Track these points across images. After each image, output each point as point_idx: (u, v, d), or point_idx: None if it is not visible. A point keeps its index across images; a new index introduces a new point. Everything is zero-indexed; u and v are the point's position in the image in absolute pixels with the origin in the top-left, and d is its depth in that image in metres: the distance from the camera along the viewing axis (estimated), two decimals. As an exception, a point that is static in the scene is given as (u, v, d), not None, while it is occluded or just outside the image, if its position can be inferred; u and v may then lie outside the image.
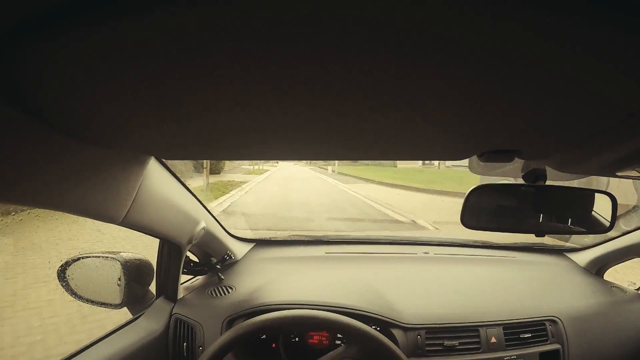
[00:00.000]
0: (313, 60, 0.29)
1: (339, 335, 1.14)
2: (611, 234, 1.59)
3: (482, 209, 0.87)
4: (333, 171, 26.61)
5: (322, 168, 32.75)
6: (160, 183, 0.88)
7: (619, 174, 0.70)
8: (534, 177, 0.82)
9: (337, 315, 0.91)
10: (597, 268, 1.68)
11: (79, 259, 1.11)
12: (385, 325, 1.11)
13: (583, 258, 1.73)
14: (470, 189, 0.84)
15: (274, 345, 1.13)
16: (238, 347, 0.91)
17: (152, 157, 0.79)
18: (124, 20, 0.25)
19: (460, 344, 1.14)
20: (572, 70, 0.30)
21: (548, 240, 1.97)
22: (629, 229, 1.58)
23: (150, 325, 1.12)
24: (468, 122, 0.44)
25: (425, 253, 1.70)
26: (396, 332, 1.11)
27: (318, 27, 0.25)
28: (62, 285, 1.07)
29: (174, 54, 0.29)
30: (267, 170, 26.72)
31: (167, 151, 0.67)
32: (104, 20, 0.25)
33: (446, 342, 1.13)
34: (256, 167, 25.41)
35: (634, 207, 5.06)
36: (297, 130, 0.48)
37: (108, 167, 0.66)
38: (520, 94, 0.36)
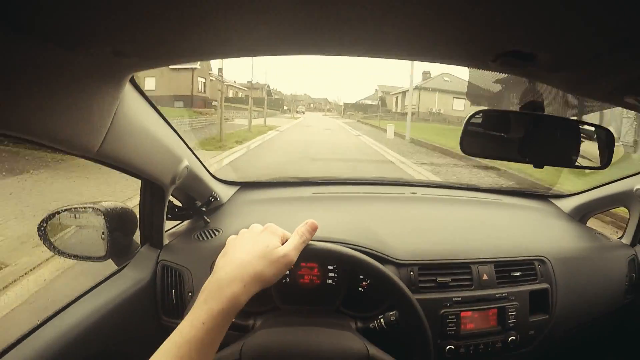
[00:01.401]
0: None
1: (330, 274, 1.13)
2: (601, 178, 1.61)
3: (481, 136, 0.84)
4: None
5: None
6: (139, 111, 0.82)
7: (627, 100, 0.66)
8: (532, 108, 0.79)
9: (329, 244, 0.88)
10: (581, 215, 1.71)
11: (58, 212, 1.06)
12: (377, 260, 1.09)
13: (567, 204, 1.76)
14: (470, 113, 0.81)
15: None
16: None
17: (129, 81, 0.72)
18: None
19: (452, 280, 1.15)
20: None
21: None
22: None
23: (136, 274, 1.09)
24: (483, 17, 0.41)
25: (413, 193, 1.70)
26: (389, 268, 1.10)
27: None
28: (43, 241, 1.03)
29: None
30: (299, 117, 38.64)
31: (145, 51, 0.59)
32: None
33: (439, 279, 1.14)
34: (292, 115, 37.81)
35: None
36: (296, 18, 0.44)
37: (80, 85, 0.59)
38: None
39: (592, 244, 1.50)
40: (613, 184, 1.60)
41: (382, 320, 0.96)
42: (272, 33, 0.51)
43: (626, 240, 1.59)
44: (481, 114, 0.83)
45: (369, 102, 58.13)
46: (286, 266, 0.69)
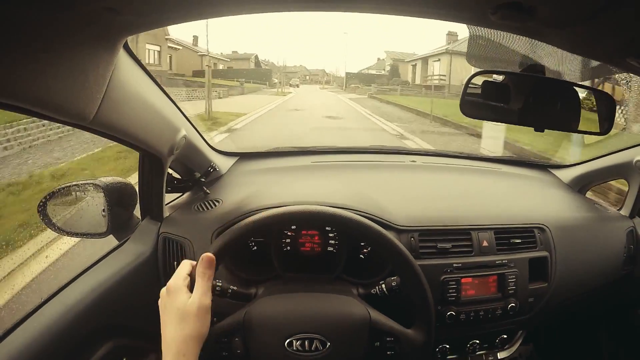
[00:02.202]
0: None
1: (331, 242, 1.14)
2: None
3: (481, 97, 0.83)
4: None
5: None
6: (134, 79, 0.81)
7: (630, 62, 0.65)
8: (533, 71, 0.78)
9: (330, 207, 0.89)
10: (580, 186, 1.71)
11: (58, 190, 1.06)
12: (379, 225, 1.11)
13: (566, 175, 1.76)
14: (471, 74, 0.80)
15: (268, 256, 1.12)
16: (229, 254, 0.89)
17: (123, 47, 0.71)
18: None
19: (453, 246, 1.16)
20: None
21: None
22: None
23: (137, 248, 1.10)
24: None
25: (413, 161, 1.70)
26: (390, 234, 1.11)
27: None
28: (43, 221, 1.03)
29: None
30: (290, 92, 31.41)
31: (139, 8, 0.56)
32: None
33: (439, 245, 1.15)
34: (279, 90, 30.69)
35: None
36: None
37: (73, 49, 0.57)
38: None
39: (591, 214, 1.51)
40: (612, 155, 1.59)
41: (383, 286, 0.96)
42: None
43: (625, 212, 1.58)
44: (481, 76, 0.82)
45: (373, 71, 50.00)
46: (206, 312, 0.73)
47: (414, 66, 35.90)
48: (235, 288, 0.92)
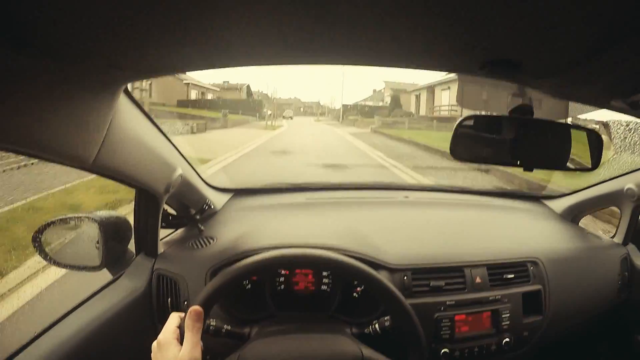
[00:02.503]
0: None
1: (325, 281, 1.13)
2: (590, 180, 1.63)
3: (471, 140, 0.85)
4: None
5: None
6: (133, 121, 0.83)
7: (614, 104, 0.68)
8: (522, 112, 0.81)
9: (323, 251, 0.90)
10: (573, 215, 1.72)
11: (53, 222, 1.06)
12: (371, 266, 1.11)
13: (559, 205, 1.78)
14: (460, 118, 0.83)
15: (260, 294, 1.12)
16: (224, 295, 0.89)
17: (122, 91, 0.73)
18: None
19: (446, 284, 1.16)
20: None
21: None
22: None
23: (132, 283, 1.09)
24: (470, 25, 0.43)
25: (406, 197, 1.71)
26: (382, 274, 1.10)
27: None
28: (37, 251, 1.03)
29: None
30: (281, 125, 25.02)
31: (140, 63, 0.60)
32: None
33: (432, 283, 1.15)
34: (269, 123, 23.93)
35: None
36: (289, 30, 0.45)
37: (75, 98, 0.60)
38: (525, 2, 0.35)
39: (584, 244, 1.52)
40: (604, 183, 1.61)
41: (376, 325, 0.96)
42: (263, 43, 0.52)
43: (618, 239, 1.59)
44: (471, 119, 0.84)
45: (370, 103, 46.24)
46: None
47: (418, 96, 32.55)
48: (229, 327, 0.92)
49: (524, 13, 0.38)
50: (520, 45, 0.48)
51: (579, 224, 1.73)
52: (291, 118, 41.08)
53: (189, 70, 0.65)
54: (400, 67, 0.62)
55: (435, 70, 0.63)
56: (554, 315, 1.27)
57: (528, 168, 0.82)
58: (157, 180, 1.02)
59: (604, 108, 0.73)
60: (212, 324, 0.89)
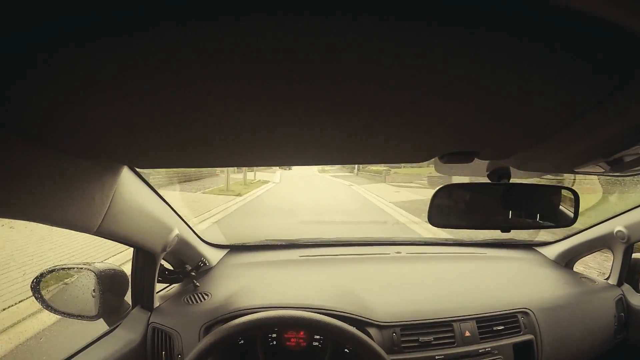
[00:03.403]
0: (287, 76, 0.32)
1: (316, 337, 1.15)
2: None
3: (448, 208, 0.89)
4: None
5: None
6: (134, 191, 0.88)
7: (577, 170, 0.73)
8: (498, 176, 0.85)
9: (313, 313, 0.93)
10: (567, 260, 1.75)
11: (52, 270, 1.09)
12: (360, 324, 1.13)
13: (552, 251, 1.80)
14: (437, 188, 0.87)
15: (252, 350, 1.13)
16: (217, 352, 0.92)
17: (126, 165, 0.79)
18: (103, 39, 0.27)
19: (435, 339, 1.17)
20: (520, 77, 0.33)
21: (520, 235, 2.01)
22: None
23: (127, 335, 1.11)
24: (429, 126, 0.47)
25: (398, 253, 1.73)
26: (372, 331, 1.13)
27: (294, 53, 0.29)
28: (36, 298, 1.06)
29: (155, 70, 0.31)
30: (266, 182, 16.58)
31: (144, 161, 0.67)
32: (82, 40, 0.27)
33: (421, 338, 1.16)
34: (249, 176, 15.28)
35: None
36: (270, 137, 0.50)
37: (82, 176, 0.66)
38: (475, 100, 0.39)
39: (578, 289, 1.52)
40: (594, 227, 1.64)
41: None
42: (255, 150, 0.57)
43: (612, 280, 1.61)
44: (447, 189, 0.88)
45: None
46: None
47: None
48: None
49: (473, 110, 0.42)
50: (475, 137, 0.52)
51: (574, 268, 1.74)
52: (289, 168, 29.41)
53: (188, 167, 0.72)
54: (374, 162, 0.68)
55: (401, 162, 0.70)
56: None
57: (505, 230, 0.86)
58: (155, 241, 1.06)
59: (570, 173, 0.77)
60: None
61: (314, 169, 35.60)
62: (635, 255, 1.61)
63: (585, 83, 0.36)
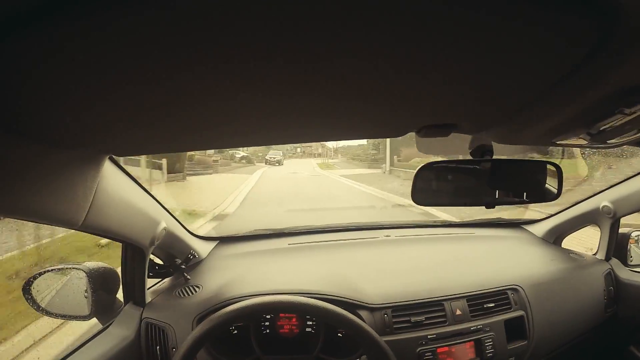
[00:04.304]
0: (263, 53, 0.32)
1: (308, 323, 1.16)
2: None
3: (431, 186, 0.89)
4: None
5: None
6: (117, 184, 0.88)
7: (557, 142, 0.74)
8: (481, 153, 0.86)
9: (302, 297, 0.94)
10: (555, 237, 1.78)
11: (43, 272, 1.09)
12: (351, 307, 1.14)
13: (540, 229, 1.83)
14: (419, 166, 0.87)
15: (247, 339, 1.14)
16: (209, 341, 0.93)
17: (107, 158, 0.79)
18: (75, 24, 0.27)
19: (426, 319, 1.18)
20: (495, 44, 0.34)
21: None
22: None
23: (121, 332, 1.11)
24: (404, 98, 0.47)
25: (387, 236, 1.74)
26: (363, 313, 1.14)
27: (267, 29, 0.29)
28: (27, 301, 1.05)
29: (130, 53, 0.31)
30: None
31: (125, 148, 0.66)
32: (57, 25, 0.27)
33: (413, 318, 1.17)
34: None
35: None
36: (247, 117, 0.50)
37: (63, 168, 0.65)
38: (450, 70, 0.39)
39: (567, 264, 1.55)
40: (581, 203, 1.67)
41: None
42: (231, 130, 0.57)
43: (600, 255, 1.64)
44: (430, 167, 0.88)
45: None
46: None
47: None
48: None
49: (449, 81, 0.42)
50: (452, 109, 0.53)
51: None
52: (279, 163, 25.56)
53: (171, 151, 0.72)
54: (349, 139, 0.69)
55: (378, 137, 0.70)
56: (539, 338, 1.29)
57: (490, 206, 0.87)
58: (142, 235, 1.06)
59: (550, 146, 0.78)
60: None
61: (312, 163, 29.47)
62: (622, 230, 1.64)
63: (559, 48, 0.36)
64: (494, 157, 0.85)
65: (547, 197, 0.97)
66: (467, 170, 0.89)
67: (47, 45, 0.29)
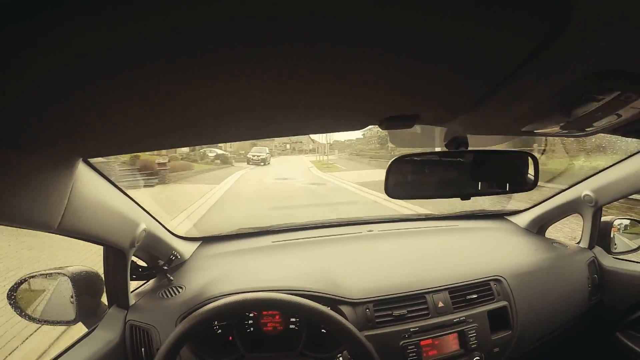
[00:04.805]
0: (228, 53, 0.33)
1: (292, 320, 1.16)
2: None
3: (405, 178, 0.90)
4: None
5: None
6: (93, 186, 0.87)
7: (525, 130, 0.75)
8: (456, 144, 0.87)
9: (280, 294, 0.94)
10: (538, 227, 1.80)
11: (26, 279, 1.08)
12: (333, 302, 1.14)
13: (523, 219, 1.85)
14: (392, 159, 0.87)
15: (230, 338, 1.14)
16: (190, 339, 0.92)
17: (81, 159, 0.78)
18: (47, 21, 0.26)
19: (409, 312, 1.19)
20: (449, 33, 0.34)
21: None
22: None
23: (106, 335, 1.11)
24: (364, 90, 0.47)
25: (370, 231, 1.75)
26: (345, 308, 1.15)
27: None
28: (13, 308, 1.05)
29: (105, 51, 0.31)
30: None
31: (97, 148, 0.66)
32: (24, 25, 0.26)
33: (395, 312, 1.18)
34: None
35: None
36: (212, 115, 0.51)
37: (35, 172, 0.64)
38: (407, 60, 0.39)
39: (550, 254, 1.57)
40: (562, 193, 1.70)
41: (341, 358, 1.01)
42: (195, 127, 0.57)
43: (583, 244, 1.67)
44: (403, 159, 0.89)
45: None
46: None
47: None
48: None
49: (407, 70, 0.43)
50: (413, 100, 0.53)
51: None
52: (264, 162, 22.23)
53: (141, 151, 0.72)
54: (310, 133, 0.70)
55: (340, 131, 0.71)
56: (524, 327, 1.31)
57: (465, 198, 0.88)
58: (121, 237, 1.06)
59: (518, 135, 0.79)
60: None
61: (305, 162, 24.19)
62: (605, 218, 1.66)
63: (514, 36, 0.36)
64: (470, 149, 0.87)
65: (523, 187, 0.99)
66: (441, 162, 0.90)
67: (12, 45, 0.28)
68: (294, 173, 16.53)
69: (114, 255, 1.12)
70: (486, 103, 0.56)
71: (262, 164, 21.94)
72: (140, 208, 1.16)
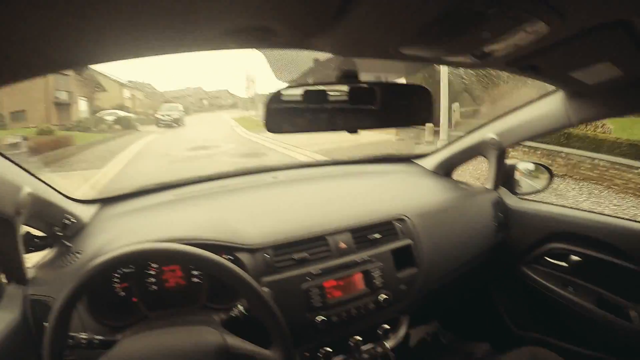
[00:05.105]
0: None
1: (194, 273, 1.12)
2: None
3: (287, 113, 0.87)
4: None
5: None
6: None
7: (404, 52, 0.71)
8: (345, 76, 0.83)
9: (167, 243, 0.91)
10: (445, 170, 1.89)
11: None
12: (229, 250, 1.12)
13: (431, 162, 1.93)
14: (271, 93, 0.84)
15: (134, 300, 1.08)
16: (85, 293, 0.89)
17: None
18: None
19: (310, 255, 1.19)
20: None
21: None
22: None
23: (5, 315, 1.01)
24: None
25: (274, 178, 1.73)
26: (242, 256, 1.13)
27: None
28: None
29: None
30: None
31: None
32: None
33: (296, 256, 1.18)
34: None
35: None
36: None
37: None
38: None
39: (456, 194, 1.67)
40: (468, 137, 1.79)
41: (240, 307, 1.00)
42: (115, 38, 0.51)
43: (489, 185, 1.78)
44: (283, 92, 0.85)
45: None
46: None
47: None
48: (101, 338, 0.90)
49: None
50: (263, 9, 0.48)
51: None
52: (176, 123, 19.61)
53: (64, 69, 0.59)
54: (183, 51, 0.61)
55: (207, 50, 0.62)
56: (430, 264, 1.37)
57: (352, 131, 0.86)
58: (1, 204, 0.95)
59: (400, 59, 0.76)
60: (82, 338, 0.87)
61: (227, 120, 21.17)
62: (509, 162, 1.77)
63: None
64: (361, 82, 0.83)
65: (415, 120, 0.99)
66: (326, 94, 0.87)
67: None
68: (216, 137, 14.11)
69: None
70: (350, 12, 0.51)
71: (175, 125, 19.51)
72: (20, 168, 1.05)
